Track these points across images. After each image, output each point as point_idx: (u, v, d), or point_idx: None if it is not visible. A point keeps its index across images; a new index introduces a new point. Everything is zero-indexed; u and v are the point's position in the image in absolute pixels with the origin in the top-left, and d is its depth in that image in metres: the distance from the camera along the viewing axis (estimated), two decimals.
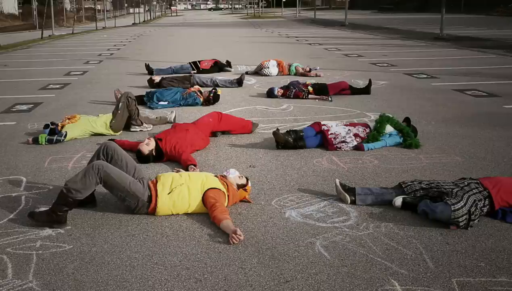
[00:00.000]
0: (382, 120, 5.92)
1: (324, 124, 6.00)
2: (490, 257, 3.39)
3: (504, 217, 3.91)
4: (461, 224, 3.73)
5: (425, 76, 11.42)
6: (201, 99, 8.47)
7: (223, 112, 6.75)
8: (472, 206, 3.77)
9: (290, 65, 11.92)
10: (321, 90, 8.97)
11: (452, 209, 3.72)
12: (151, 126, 6.98)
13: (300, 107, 8.16)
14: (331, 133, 5.84)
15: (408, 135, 5.87)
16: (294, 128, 6.19)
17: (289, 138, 5.82)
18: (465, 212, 3.72)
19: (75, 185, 3.88)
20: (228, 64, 12.94)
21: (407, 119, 6.22)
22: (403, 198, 4.11)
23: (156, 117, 7.32)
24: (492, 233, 3.73)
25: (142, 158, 5.35)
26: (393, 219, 3.98)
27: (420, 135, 6.12)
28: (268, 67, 11.82)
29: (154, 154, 5.41)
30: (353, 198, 4.25)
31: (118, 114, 6.63)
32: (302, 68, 11.75)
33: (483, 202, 3.87)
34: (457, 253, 3.45)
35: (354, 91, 9.22)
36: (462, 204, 3.75)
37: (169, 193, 4.07)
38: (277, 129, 5.95)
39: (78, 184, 3.88)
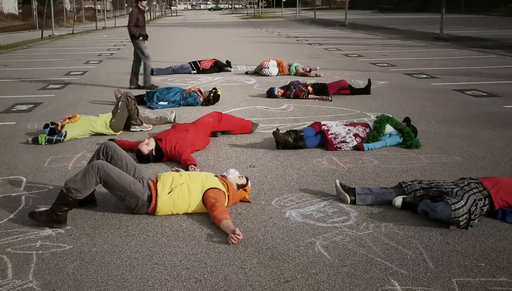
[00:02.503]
0: (382, 120, 5.92)
1: (324, 124, 6.00)
2: (490, 257, 3.39)
3: (504, 217, 3.91)
4: (461, 223, 3.73)
5: (425, 76, 11.43)
6: (201, 99, 8.47)
7: (223, 112, 6.75)
8: (472, 206, 3.77)
9: (290, 65, 11.93)
10: (321, 90, 8.97)
11: (453, 208, 3.72)
12: (151, 126, 6.98)
13: (300, 107, 8.17)
14: (331, 133, 5.84)
15: (408, 135, 5.87)
16: (294, 128, 6.19)
17: (289, 139, 5.82)
18: (465, 212, 3.72)
19: (75, 185, 3.88)
20: (228, 64, 12.94)
21: (407, 119, 6.22)
22: (403, 198, 4.11)
23: (156, 117, 7.33)
24: (492, 233, 3.73)
25: (142, 158, 5.35)
26: (393, 219, 3.98)
27: (420, 135, 6.12)
28: (268, 67, 11.83)
29: (154, 154, 5.41)
30: (353, 198, 4.25)
31: (118, 114, 6.64)
32: (302, 68, 11.75)
33: (483, 201, 3.87)
34: (457, 253, 3.45)
35: (354, 91, 9.22)
36: (463, 203, 3.75)
37: (169, 192, 4.07)
38: (277, 129, 5.95)
39: (78, 184, 3.88)
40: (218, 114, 6.50)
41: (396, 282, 3.10)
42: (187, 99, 8.46)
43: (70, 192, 3.87)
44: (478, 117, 7.43)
